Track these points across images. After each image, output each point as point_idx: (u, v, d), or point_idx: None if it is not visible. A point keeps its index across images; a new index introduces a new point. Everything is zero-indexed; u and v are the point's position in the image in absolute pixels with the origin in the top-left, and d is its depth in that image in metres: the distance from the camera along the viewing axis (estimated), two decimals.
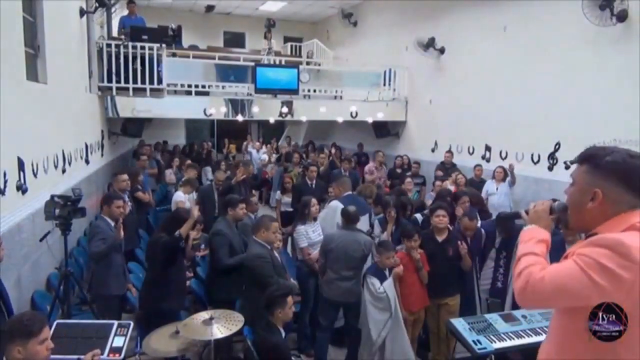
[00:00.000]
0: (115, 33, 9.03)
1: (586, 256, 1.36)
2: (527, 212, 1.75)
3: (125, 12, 9.51)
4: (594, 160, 1.49)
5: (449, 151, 8.67)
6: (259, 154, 11.55)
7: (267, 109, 9.67)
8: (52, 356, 2.35)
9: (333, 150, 11.05)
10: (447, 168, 8.17)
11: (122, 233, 4.21)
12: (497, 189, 7.09)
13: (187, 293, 4.49)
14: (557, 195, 2.02)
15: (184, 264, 4.32)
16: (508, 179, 7.13)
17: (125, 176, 5.66)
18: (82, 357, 2.46)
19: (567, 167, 6.70)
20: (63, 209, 3.61)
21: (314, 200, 4.84)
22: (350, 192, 5.29)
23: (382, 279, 4.07)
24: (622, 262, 1.31)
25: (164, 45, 8.32)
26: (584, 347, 1.43)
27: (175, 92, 9.23)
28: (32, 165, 4.27)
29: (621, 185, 1.44)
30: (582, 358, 1.44)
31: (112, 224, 4.20)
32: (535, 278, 1.42)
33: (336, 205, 4.94)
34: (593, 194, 1.47)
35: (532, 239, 1.59)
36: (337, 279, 4.17)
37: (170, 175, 8.64)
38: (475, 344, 3.21)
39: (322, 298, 4.29)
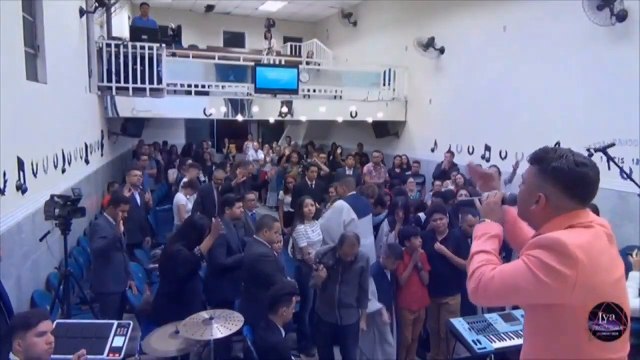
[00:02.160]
0: (116, 34, 9.02)
1: (532, 256, 1.43)
2: (481, 202, 1.78)
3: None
4: (541, 164, 1.54)
5: (449, 151, 8.63)
6: (257, 154, 11.55)
7: (267, 109, 9.66)
8: (52, 356, 2.35)
9: (339, 151, 11.02)
10: (448, 169, 8.15)
11: (122, 228, 4.21)
12: None
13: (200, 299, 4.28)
14: None
15: (200, 275, 4.20)
16: (503, 178, 7.12)
17: (138, 172, 5.74)
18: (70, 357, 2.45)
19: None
20: (63, 209, 3.61)
21: (307, 201, 4.82)
22: (354, 192, 5.28)
23: (382, 280, 4.08)
24: (562, 260, 1.38)
25: (164, 45, 8.32)
26: (579, 346, 1.44)
27: (175, 92, 9.21)
28: (32, 165, 4.27)
29: (565, 192, 1.50)
30: (576, 358, 1.46)
31: (114, 223, 4.22)
32: (487, 278, 1.49)
33: (342, 205, 4.91)
34: (537, 197, 1.53)
35: (485, 235, 1.64)
36: None
37: (172, 175, 8.60)
38: (475, 344, 3.21)
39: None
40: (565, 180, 1.48)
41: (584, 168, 1.48)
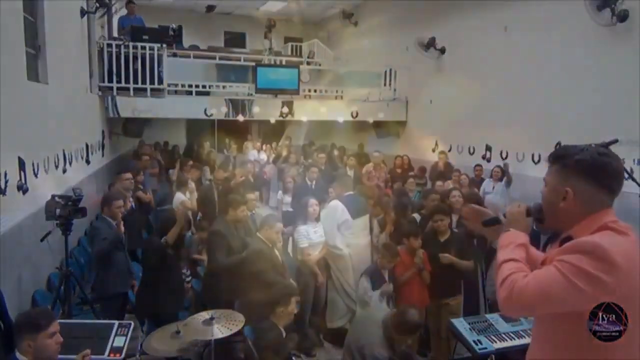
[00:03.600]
0: (116, 34, 9.04)
1: (567, 263, 1.36)
2: (504, 216, 1.74)
3: (124, 12, 9.51)
4: (563, 159, 1.51)
5: (442, 152, 8.64)
6: (259, 155, 11.54)
7: (267, 109, 9.67)
8: None
9: (336, 153, 11.00)
10: (444, 170, 8.14)
11: (122, 228, 4.21)
12: (493, 188, 7.12)
13: (183, 294, 4.35)
14: None
15: (176, 266, 4.19)
16: (505, 178, 7.14)
17: (129, 174, 5.70)
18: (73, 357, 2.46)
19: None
20: (64, 209, 3.61)
21: (312, 201, 4.81)
22: (350, 192, 5.27)
23: (378, 280, 4.07)
24: (602, 266, 1.32)
25: (164, 45, 8.33)
26: (582, 347, 1.43)
27: (176, 92, 9.22)
28: (33, 165, 4.27)
29: (591, 183, 1.47)
30: (580, 358, 1.44)
31: (113, 223, 4.21)
32: (519, 286, 1.41)
33: (335, 205, 4.92)
34: (564, 193, 1.49)
35: (511, 244, 1.57)
36: None
37: (172, 175, 8.60)
38: (476, 344, 3.21)
39: None
40: (591, 169, 1.46)
41: (606, 157, 1.47)
